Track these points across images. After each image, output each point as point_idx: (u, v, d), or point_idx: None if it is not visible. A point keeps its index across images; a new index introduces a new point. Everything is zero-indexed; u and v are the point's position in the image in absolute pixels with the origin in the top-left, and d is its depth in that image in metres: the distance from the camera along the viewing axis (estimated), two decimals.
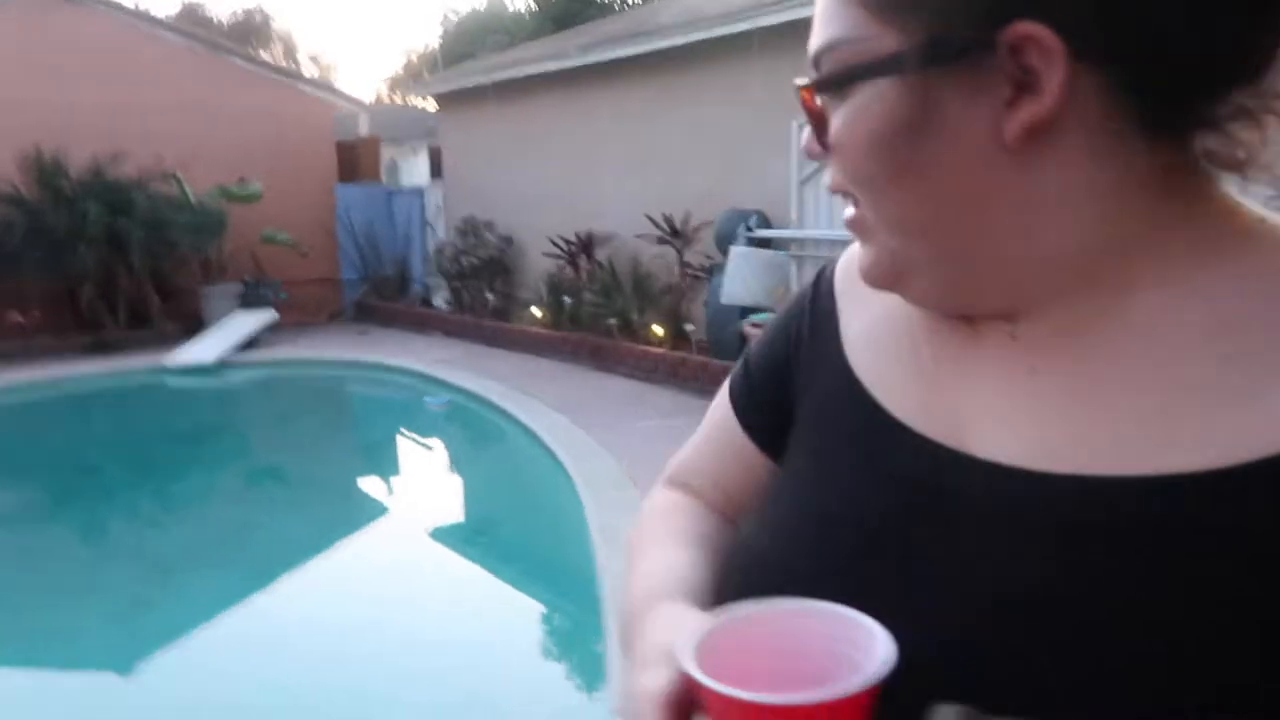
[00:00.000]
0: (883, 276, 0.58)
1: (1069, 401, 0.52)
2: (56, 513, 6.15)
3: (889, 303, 0.62)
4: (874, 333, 0.64)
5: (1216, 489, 0.46)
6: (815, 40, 0.56)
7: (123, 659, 4.00)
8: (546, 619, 4.52)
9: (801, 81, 0.56)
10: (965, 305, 0.57)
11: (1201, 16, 0.47)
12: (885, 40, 0.52)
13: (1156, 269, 0.51)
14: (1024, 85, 0.49)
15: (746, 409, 0.74)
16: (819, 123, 0.57)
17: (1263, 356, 0.47)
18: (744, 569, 0.63)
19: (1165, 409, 0.49)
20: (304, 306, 11.82)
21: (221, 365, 9.69)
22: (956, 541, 0.53)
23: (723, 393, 0.78)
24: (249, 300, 11.04)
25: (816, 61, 0.56)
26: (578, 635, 4.13)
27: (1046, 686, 0.47)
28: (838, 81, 0.55)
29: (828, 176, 0.59)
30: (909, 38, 0.51)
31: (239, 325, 10.45)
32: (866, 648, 0.48)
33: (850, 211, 0.59)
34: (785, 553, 0.61)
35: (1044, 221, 0.52)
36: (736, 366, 0.78)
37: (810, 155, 0.59)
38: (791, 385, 0.69)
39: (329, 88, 14.19)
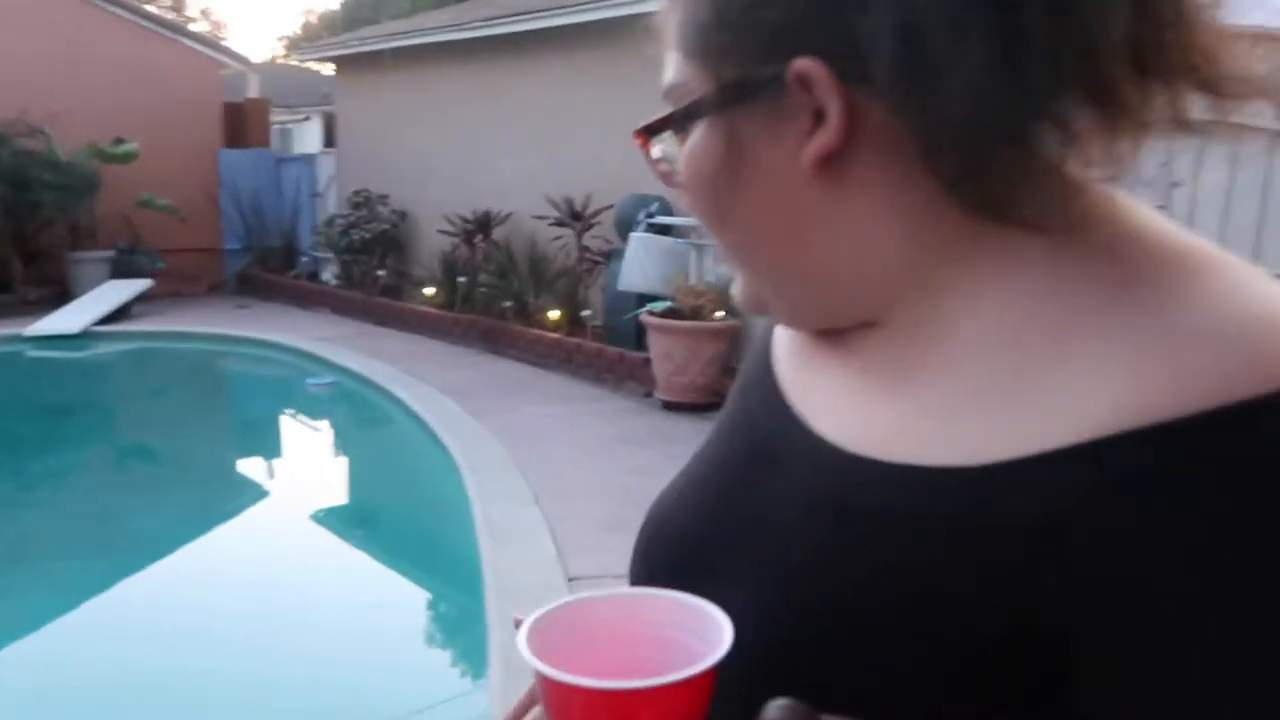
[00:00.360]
0: (749, 303, 0.63)
1: (881, 396, 0.57)
2: None
3: None
4: None
5: (968, 484, 0.49)
6: (663, 82, 0.60)
7: None
8: (431, 606, 4.45)
9: (636, 128, 0.60)
10: (817, 324, 0.62)
11: (958, 48, 0.48)
12: (699, 84, 0.57)
13: (965, 277, 0.54)
14: (819, 116, 0.53)
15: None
16: (656, 166, 0.61)
17: (1041, 361, 0.49)
18: (648, 514, 0.70)
19: (948, 407, 0.52)
20: (182, 276, 11.26)
21: (88, 336, 9.14)
22: (769, 498, 0.59)
23: None
24: (121, 268, 10.46)
25: (665, 101, 0.60)
26: (461, 623, 4.06)
27: (810, 658, 0.52)
28: (662, 127, 0.59)
29: None
30: (717, 79, 0.56)
31: (109, 294, 9.88)
32: (703, 633, 0.49)
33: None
34: (664, 506, 0.69)
35: (860, 242, 0.56)
36: None
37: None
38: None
39: (216, 44, 13.54)
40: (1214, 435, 0.42)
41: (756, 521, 0.59)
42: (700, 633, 0.50)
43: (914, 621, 0.49)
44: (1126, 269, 0.49)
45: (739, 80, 0.55)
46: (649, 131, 0.60)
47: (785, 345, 0.68)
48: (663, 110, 0.60)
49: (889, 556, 0.51)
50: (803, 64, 0.52)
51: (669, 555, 0.65)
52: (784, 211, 0.56)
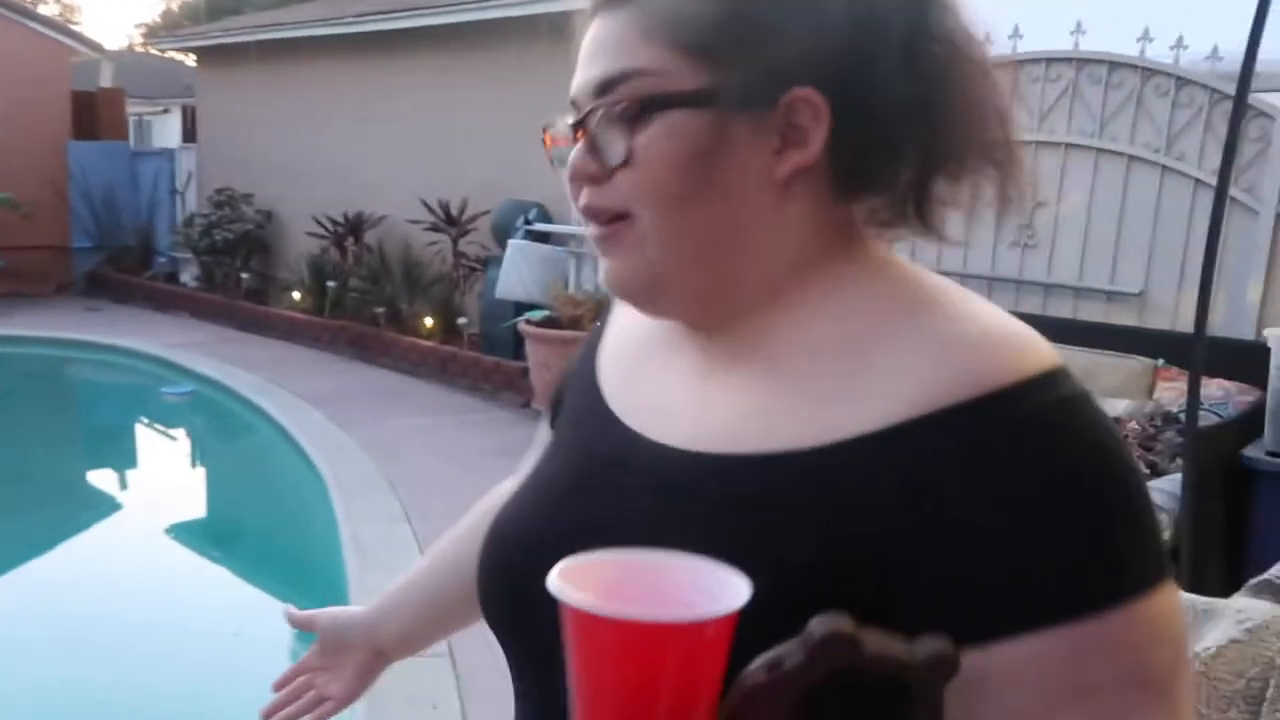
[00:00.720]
0: (639, 287, 0.67)
1: (721, 398, 0.66)
2: None
3: (628, 319, 0.78)
4: (616, 343, 0.79)
5: (799, 465, 0.60)
6: (606, 67, 0.64)
7: None
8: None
9: (595, 102, 0.64)
10: (699, 316, 0.69)
11: (862, 114, 0.62)
12: (690, 78, 0.62)
13: (804, 292, 0.65)
14: (788, 137, 0.62)
15: (551, 404, 0.89)
16: (597, 145, 0.64)
17: (852, 363, 0.61)
18: (490, 529, 0.76)
19: (776, 403, 0.63)
20: (25, 276, 10.54)
21: None
22: (619, 503, 0.66)
23: None
24: None
25: (605, 87, 0.63)
26: None
27: None
28: (644, 108, 0.63)
29: (585, 198, 0.66)
30: (716, 80, 0.62)
31: None
32: (720, 596, 0.50)
33: (597, 230, 0.67)
34: (505, 519, 0.75)
35: (770, 247, 0.65)
36: None
37: (578, 175, 0.66)
38: (565, 382, 0.85)
39: (66, 29, 12.75)
40: (983, 415, 0.56)
41: (606, 525, 0.64)
42: (717, 596, 0.51)
43: (770, 597, 0.53)
44: (908, 297, 0.63)
45: (742, 86, 0.61)
46: (623, 112, 0.62)
47: (610, 362, 0.77)
48: (564, 106, 0.67)
49: (741, 539, 0.58)
50: (806, 93, 0.61)
51: (515, 562, 0.70)
52: (740, 210, 0.64)
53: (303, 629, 1.02)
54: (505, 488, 0.99)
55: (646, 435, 0.68)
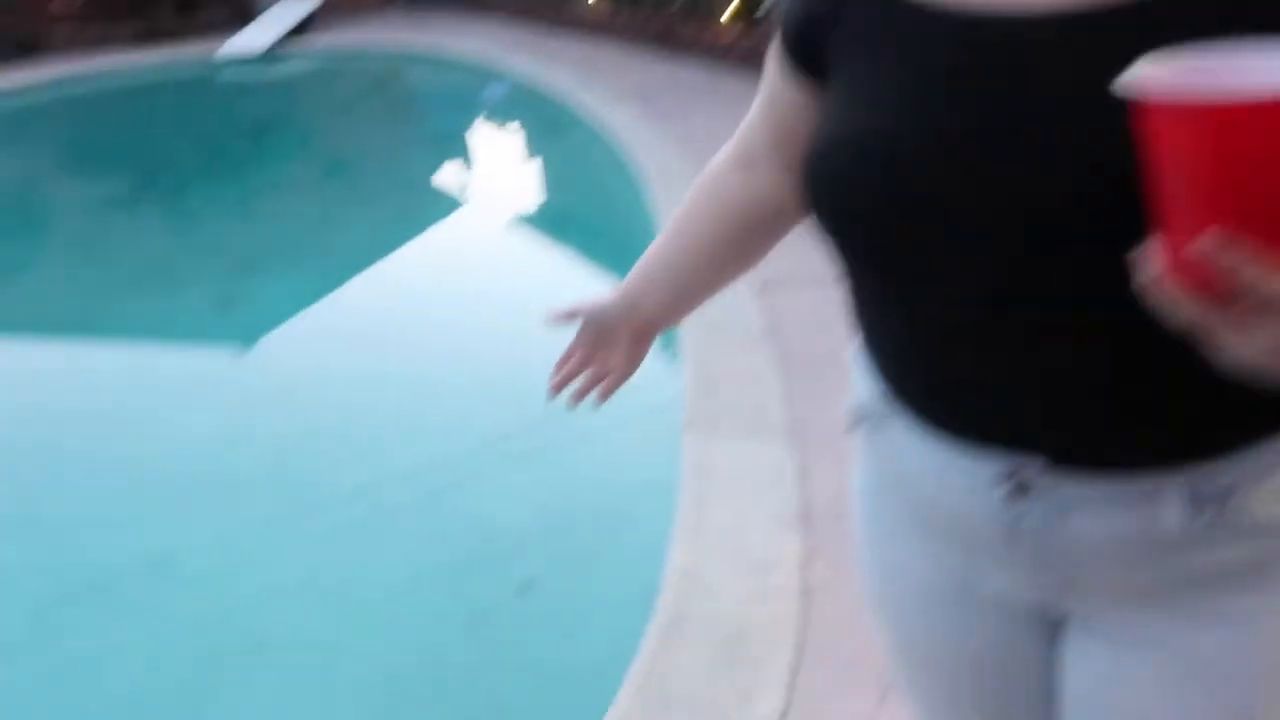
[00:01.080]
0: None
1: None
2: (125, 208, 6.19)
3: None
4: None
5: None
6: None
7: (215, 351, 4.16)
8: None
9: None
10: None
11: None
12: None
13: None
14: None
15: (794, 46, 0.83)
16: None
17: None
18: (825, 154, 0.74)
19: None
20: None
21: (273, 56, 9.36)
22: (996, 69, 0.65)
23: (773, 50, 0.88)
24: None
25: None
26: None
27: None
28: None
29: None
30: None
31: (288, 10, 9.99)
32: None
33: None
34: (874, 124, 0.70)
35: None
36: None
37: None
38: (824, 13, 0.78)
39: None
40: None
41: (1007, 112, 0.64)
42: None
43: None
44: None
45: None
46: None
47: None
48: None
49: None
50: None
51: (915, 169, 0.67)
52: None
53: (567, 321, 1.06)
54: (719, 159, 1.03)
55: (997, 8, 0.66)
